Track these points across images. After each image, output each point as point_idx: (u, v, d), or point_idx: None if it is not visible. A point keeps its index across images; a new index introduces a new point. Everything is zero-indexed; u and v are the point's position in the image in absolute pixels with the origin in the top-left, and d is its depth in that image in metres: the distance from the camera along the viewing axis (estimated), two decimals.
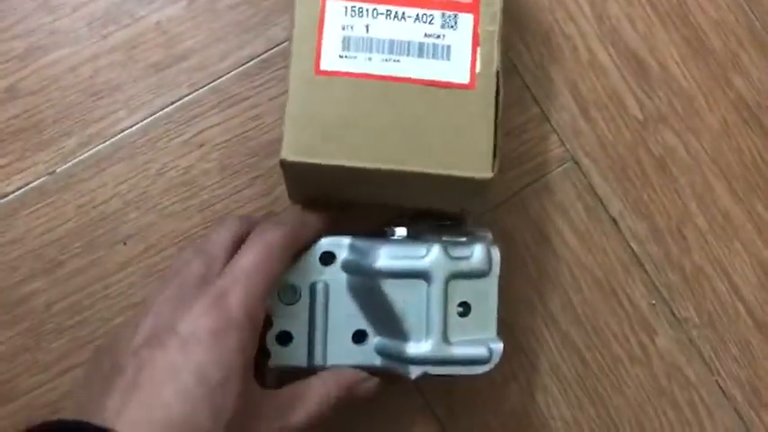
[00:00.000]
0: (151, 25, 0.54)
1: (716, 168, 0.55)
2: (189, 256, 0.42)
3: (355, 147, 0.44)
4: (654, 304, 0.53)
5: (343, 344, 0.44)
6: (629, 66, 0.55)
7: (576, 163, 0.54)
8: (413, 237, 0.46)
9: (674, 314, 0.53)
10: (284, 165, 0.44)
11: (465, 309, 0.44)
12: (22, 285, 0.51)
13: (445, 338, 0.43)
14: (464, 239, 0.45)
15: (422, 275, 0.43)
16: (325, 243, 0.45)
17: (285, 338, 0.44)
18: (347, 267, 0.45)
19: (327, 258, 0.45)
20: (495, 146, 0.44)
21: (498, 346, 0.44)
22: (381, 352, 0.44)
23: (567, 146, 0.54)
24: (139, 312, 0.40)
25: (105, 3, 0.54)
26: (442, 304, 0.43)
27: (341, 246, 0.45)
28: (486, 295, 0.44)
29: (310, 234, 0.45)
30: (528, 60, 0.55)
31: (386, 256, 0.43)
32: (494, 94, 0.45)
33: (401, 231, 0.46)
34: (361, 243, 0.45)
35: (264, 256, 0.40)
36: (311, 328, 0.44)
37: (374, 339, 0.45)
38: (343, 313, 0.44)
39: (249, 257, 0.40)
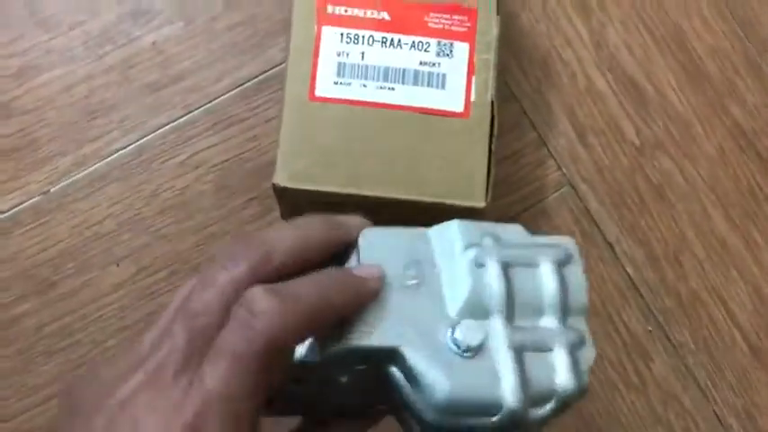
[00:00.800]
0: (147, 45, 0.54)
1: (712, 195, 0.55)
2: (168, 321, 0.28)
3: (349, 173, 0.44)
4: (650, 331, 0.53)
5: None
6: (627, 92, 0.55)
7: (574, 188, 0.54)
8: None
9: (669, 340, 0.53)
10: (277, 189, 0.44)
11: None
12: (14, 306, 0.50)
13: None
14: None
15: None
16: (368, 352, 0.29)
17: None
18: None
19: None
20: (488, 174, 0.44)
21: None
22: None
23: (565, 171, 0.54)
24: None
25: (101, 22, 0.54)
26: None
27: (391, 355, 0.29)
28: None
29: (331, 321, 0.28)
30: (525, 86, 0.55)
31: (448, 399, 0.28)
32: (488, 123, 0.45)
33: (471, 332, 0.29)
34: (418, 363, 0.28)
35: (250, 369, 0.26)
36: None
37: None
38: None
39: (222, 373, 0.26)
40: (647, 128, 0.55)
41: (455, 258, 0.30)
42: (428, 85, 0.45)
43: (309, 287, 0.27)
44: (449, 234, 0.31)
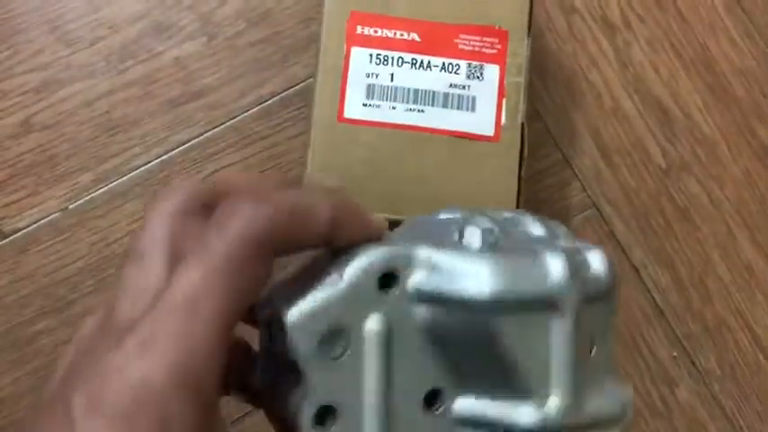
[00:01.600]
0: (169, 61, 0.53)
1: (738, 218, 0.54)
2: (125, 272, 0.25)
3: (377, 196, 0.43)
4: (675, 356, 0.52)
5: (410, 415, 0.28)
6: (653, 113, 0.55)
7: (599, 210, 0.53)
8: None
9: (695, 366, 0.52)
10: None
11: (590, 346, 0.29)
12: (32, 324, 0.50)
13: (579, 394, 0.28)
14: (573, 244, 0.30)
15: (548, 304, 0.27)
16: (384, 255, 0.27)
17: (326, 415, 0.27)
18: (422, 296, 0.27)
19: (387, 281, 0.27)
20: (518, 198, 0.44)
21: (629, 395, 0.30)
22: (470, 421, 0.28)
23: (589, 192, 0.54)
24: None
25: (123, 37, 0.53)
26: (574, 344, 0.28)
27: (409, 260, 0.27)
28: (606, 324, 0.30)
29: (321, 228, 0.25)
30: (551, 106, 0.54)
31: (494, 280, 0.26)
32: (518, 146, 0.44)
33: (481, 227, 0.28)
34: (444, 256, 0.27)
35: (223, 269, 0.23)
36: (365, 396, 0.27)
37: (455, 402, 0.28)
38: (415, 369, 0.28)
39: (192, 274, 0.23)
40: (673, 149, 0.54)
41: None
42: (458, 108, 0.44)
43: (297, 194, 0.24)
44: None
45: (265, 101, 0.53)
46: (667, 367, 0.52)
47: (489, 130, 0.44)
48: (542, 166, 0.54)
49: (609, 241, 0.53)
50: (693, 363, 0.52)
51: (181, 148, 0.52)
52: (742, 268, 0.53)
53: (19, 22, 0.53)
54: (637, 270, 0.53)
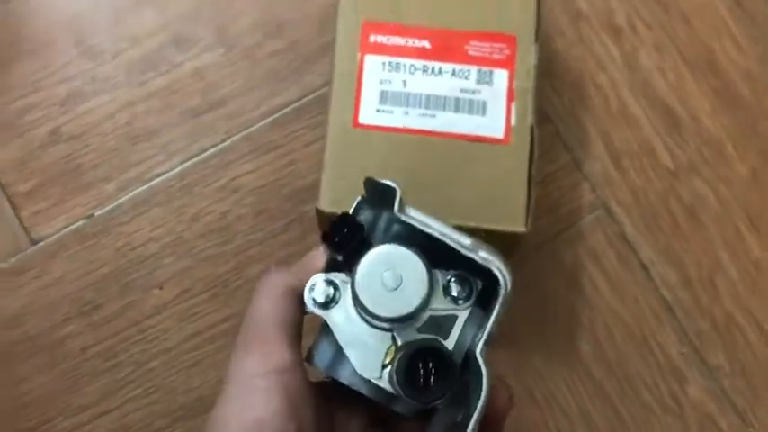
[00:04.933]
0: (188, 72, 0.55)
1: (746, 218, 0.55)
2: None
3: None
4: (684, 353, 0.53)
5: None
6: (660, 116, 0.56)
7: (608, 211, 0.55)
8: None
9: (705, 363, 0.53)
10: (320, 214, 0.45)
11: None
12: (59, 328, 0.52)
13: None
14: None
15: None
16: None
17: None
18: None
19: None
20: (528, 199, 0.45)
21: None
22: None
23: (599, 194, 0.55)
24: None
25: (144, 50, 0.55)
26: None
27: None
28: None
29: None
30: (560, 109, 0.56)
31: None
32: (528, 149, 0.45)
33: None
34: None
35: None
36: None
37: None
38: None
39: None
40: (680, 151, 0.55)
41: None
42: (469, 112, 0.46)
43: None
44: None
45: (280, 110, 0.55)
46: (677, 364, 0.53)
47: (499, 134, 0.45)
48: (553, 168, 0.55)
49: (618, 241, 0.54)
50: (703, 360, 0.53)
51: (200, 156, 0.54)
52: (750, 266, 0.54)
53: (47, 36, 0.55)
54: (646, 269, 0.54)
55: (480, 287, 0.34)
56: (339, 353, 0.33)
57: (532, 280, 0.53)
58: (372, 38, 0.46)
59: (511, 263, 0.47)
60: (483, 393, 0.31)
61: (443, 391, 0.30)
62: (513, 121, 0.45)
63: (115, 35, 0.55)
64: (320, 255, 0.34)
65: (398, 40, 0.46)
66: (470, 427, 0.30)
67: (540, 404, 0.52)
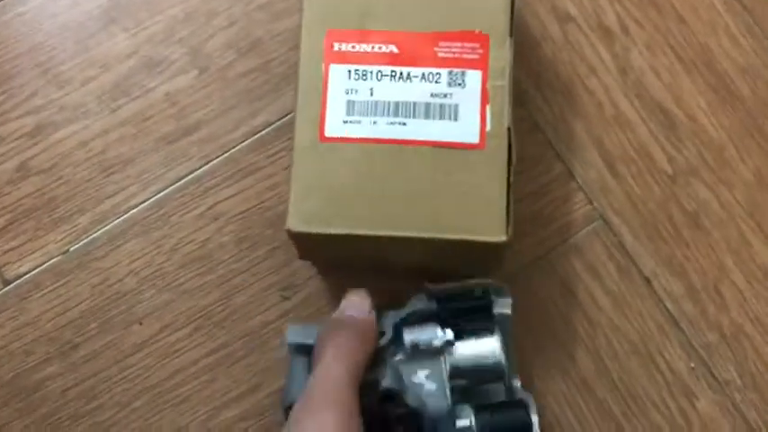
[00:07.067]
0: (161, 96, 0.53)
1: (752, 222, 0.52)
2: None
3: (363, 214, 0.42)
4: (693, 368, 0.51)
5: None
6: (656, 118, 0.53)
7: (605, 221, 0.52)
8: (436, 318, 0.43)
9: (714, 377, 0.51)
10: (291, 234, 0.43)
11: None
12: (37, 370, 0.50)
13: None
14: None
15: None
16: None
17: None
18: None
19: None
20: (508, 206, 0.42)
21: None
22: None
23: (595, 204, 0.52)
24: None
25: (114, 75, 0.53)
26: None
27: None
28: None
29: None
30: (550, 117, 0.53)
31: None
32: (506, 152, 0.43)
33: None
34: None
35: None
36: None
37: None
38: None
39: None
40: (678, 154, 0.53)
41: None
42: (440, 118, 0.43)
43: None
44: None
45: (259, 131, 0.52)
46: (686, 379, 0.51)
47: (474, 138, 0.43)
48: (544, 180, 0.52)
49: (618, 252, 0.52)
50: (713, 374, 0.51)
51: (177, 183, 0.52)
52: (757, 272, 0.52)
53: (10, 67, 0.53)
54: (648, 281, 0.51)
55: None
56: None
57: (529, 296, 0.51)
58: (337, 46, 0.44)
59: (503, 277, 0.46)
60: None
61: None
62: (488, 125, 0.43)
63: (84, 61, 0.53)
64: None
65: (365, 47, 0.44)
66: None
67: (542, 426, 0.50)
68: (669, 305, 0.51)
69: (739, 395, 0.50)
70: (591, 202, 0.52)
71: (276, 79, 0.53)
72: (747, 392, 0.50)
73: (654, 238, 0.52)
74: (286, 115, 0.53)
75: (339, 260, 0.49)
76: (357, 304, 0.41)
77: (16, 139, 0.52)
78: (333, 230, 0.42)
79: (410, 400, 0.41)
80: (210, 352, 0.50)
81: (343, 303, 0.42)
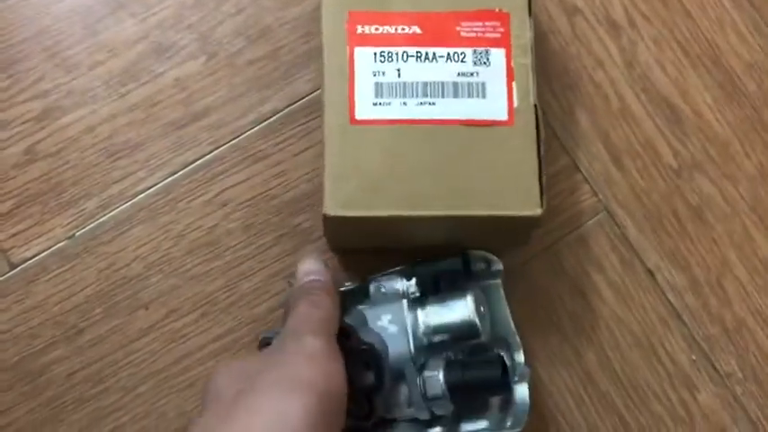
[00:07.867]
0: (170, 82, 0.53)
1: (754, 216, 0.53)
2: None
3: (399, 195, 0.43)
4: (695, 360, 0.51)
5: None
6: (662, 112, 0.54)
7: (610, 214, 0.52)
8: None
9: (716, 369, 0.51)
10: (328, 219, 0.43)
11: None
12: (43, 354, 0.50)
13: None
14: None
15: None
16: None
17: None
18: None
19: None
20: (540, 180, 0.43)
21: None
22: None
23: (600, 196, 0.53)
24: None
25: (123, 60, 0.53)
26: None
27: None
28: None
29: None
30: (557, 109, 0.53)
31: None
32: (534, 127, 0.43)
33: None
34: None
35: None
36: None
37: None
38: None
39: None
40: (683, 149, 0.53)
41: None
42: (468, 96, 0.44)
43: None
44: None
45: (267, 118, 0.52)
46: (687, 371, 0.51)
47: (503, 115, 0.43)
48: (551, 171, 0.53)
49: (622, 245, 0.52)
50: (714, 366, 0.51)
51: (185, 170, 0.52)
52: (760, 267, 0.52)
53: (17, 51, 0.53)
54: (651, 273, 0.52)
55: None
56: None
57: (533, 288, 0.51)
58: (360, 29, 0.44)
59: (508, 266, 0.46)
60: None
61: None
62: (515, 101, 0.43)
63: (92, 46, 0.53)
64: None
65: (387, 29, 0.44)
66: None
67: (546, 417, 0.50)
68: (672, 298, 0.52)
69: (740, 388, 0.51)
70: (596, 195, 0.53)
71: (285, 66, 0.53)
72: (748, 385, 0.51)
73: (658, 232, 0.52)
74: (294, 102, 0.53)
75: (368, 245, 0.49)
76: (314, 269, 0.44)
77: (23, 123, 0.52)
78: (371, 213, 0.42)
79: (371, 339, 0.42)
80: (216, 338, 0.50)
81: (301, 271, 0.44)
